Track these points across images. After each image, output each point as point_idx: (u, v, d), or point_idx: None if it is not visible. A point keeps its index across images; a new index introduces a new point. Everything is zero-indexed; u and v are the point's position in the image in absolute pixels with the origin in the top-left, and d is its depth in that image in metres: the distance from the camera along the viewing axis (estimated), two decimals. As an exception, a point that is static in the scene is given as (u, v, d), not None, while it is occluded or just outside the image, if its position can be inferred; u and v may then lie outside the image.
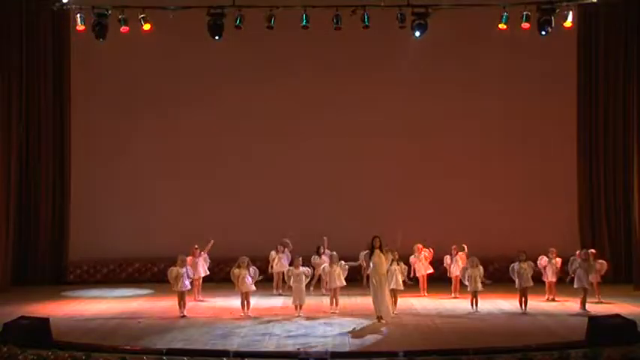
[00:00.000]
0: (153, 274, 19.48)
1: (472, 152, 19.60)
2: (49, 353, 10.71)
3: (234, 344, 12.15)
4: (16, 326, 12.11)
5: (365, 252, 14.63)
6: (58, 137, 19.58)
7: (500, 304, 15.78)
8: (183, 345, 12.09)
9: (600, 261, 16.27)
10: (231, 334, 13.05)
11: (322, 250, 17.02)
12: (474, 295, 15.13)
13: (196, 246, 16.58)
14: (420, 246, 17.13)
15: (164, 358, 11.35)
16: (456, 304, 15.94)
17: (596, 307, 15.24)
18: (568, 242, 18.44)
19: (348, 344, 12.24)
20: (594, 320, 12.27)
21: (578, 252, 16.18)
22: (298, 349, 11.64)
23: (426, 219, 19.05)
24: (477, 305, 15.14)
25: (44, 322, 12.36)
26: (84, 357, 10.60)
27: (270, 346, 12.12)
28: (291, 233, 17.43)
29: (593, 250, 16.40)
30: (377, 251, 14.17)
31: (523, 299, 15.07)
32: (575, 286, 15.32)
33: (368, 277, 15.17)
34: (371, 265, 14.24)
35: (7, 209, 18.55)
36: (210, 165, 19.65)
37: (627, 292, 17.32)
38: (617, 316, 12.64)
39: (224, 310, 15.14)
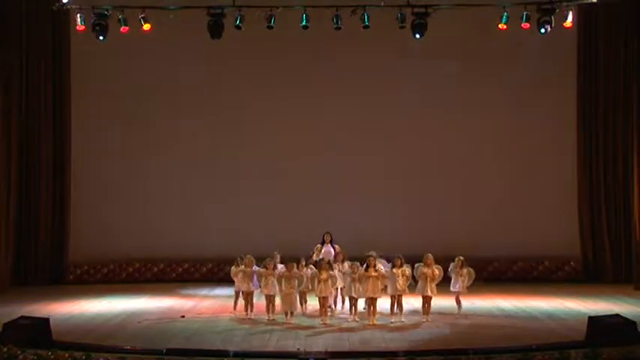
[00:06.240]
0: (153, 274, 19.52)
1: (471, 152, 19.59)
2: (49, 353, 10.70)
3: (234, 344, 12.14)
4: (16, 326, 12.09)
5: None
6: (58, 137, 19.59)
7: (500, 304, 15.78)
8: (183, 345, 12.09)
9: (468, 269, 14.55)
10: (232, 334, 13.05)
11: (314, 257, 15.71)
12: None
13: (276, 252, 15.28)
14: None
15: (164, 358, 11.34)
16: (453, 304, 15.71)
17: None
18: (568, 242, 18.44)
19: (348, 344, 12.23)
20: (594, 320, 12.27)
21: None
22: (298, 349, 11.63)
23: (426, 219, 19.08)
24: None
25: (44, 322, 12.34)
26: (84, 357, 10.59)
27: (270, 345, 12.11)
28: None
29: (461, 257, 14.62)
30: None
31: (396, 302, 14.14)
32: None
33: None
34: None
35: (7, 209, 18.55)
36: (210, 165, 19.65)
37: (627, 292, 17.33)
38: (617, 316, 12.62)
39: (224, 310, 15.12)
